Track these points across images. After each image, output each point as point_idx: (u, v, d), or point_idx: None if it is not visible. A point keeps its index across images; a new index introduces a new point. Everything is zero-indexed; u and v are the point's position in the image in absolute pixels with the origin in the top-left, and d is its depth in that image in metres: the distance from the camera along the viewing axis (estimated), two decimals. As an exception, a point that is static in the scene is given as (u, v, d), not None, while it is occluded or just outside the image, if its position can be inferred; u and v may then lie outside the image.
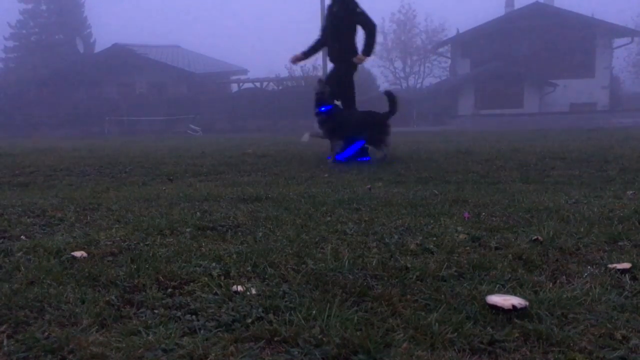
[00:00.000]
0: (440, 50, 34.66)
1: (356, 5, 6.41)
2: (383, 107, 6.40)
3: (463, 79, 28.85)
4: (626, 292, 1.64)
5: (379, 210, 2.95)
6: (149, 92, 29.76)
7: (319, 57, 25.42)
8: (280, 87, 29.37)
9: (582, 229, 2.39)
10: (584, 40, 27.72)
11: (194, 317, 1.48)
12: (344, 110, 6.39)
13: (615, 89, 30.62)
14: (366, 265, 1.90)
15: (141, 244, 2.22)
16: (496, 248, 2.13)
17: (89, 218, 2.84)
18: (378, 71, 37.66)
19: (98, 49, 36.14)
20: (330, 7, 6.53)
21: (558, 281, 1.76)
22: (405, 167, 5.53)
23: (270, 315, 1.47)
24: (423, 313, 1.49)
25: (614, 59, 30.32)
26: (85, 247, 2.17)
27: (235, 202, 3.31)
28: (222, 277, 1.79)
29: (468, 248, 2.12)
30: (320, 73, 26.35)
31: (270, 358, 1.28)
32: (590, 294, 1.61)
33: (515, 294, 1.59)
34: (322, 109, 6.25)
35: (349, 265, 1.89)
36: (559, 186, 4.08)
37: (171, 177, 5.07)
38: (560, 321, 1.44)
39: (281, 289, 1.67)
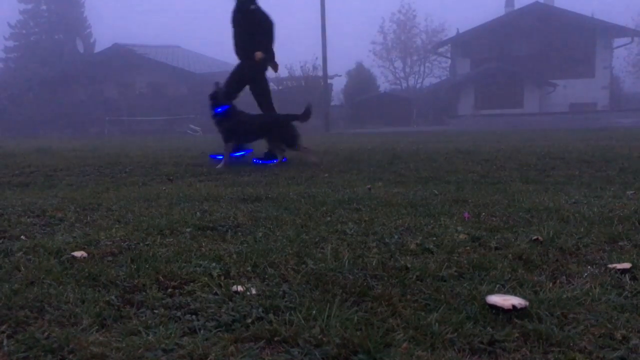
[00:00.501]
0: (440, 50, 34.69)
1: (251, 1, 6.27)
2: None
3: (463, 79, 28.86)
4: (626, 292, 1.64)
5: (379, 210, 2.95)
6: (149, 92, 29.75)
7: (318, 57, 25.46)
8: (280, 87, 29.37)
9: (582, 229, 2.39)
10: (584, 40, 27.74)
11: (194, 317, 1.48)
12: (242, 112, 6.26)
13: (615, 89, 30.63)
14: (366, 265, 1.90)
15: (141, 244, 2.22)
16: (496, 248, 2.13)
17: (89, 218, 2.84)
18: (378, 71, 37.73)
19: (98, 49, 36.14)
20: (236, 2, 6.41)
21: (558, 281, 1.76)
22: (405, 167, 5.53)
23: (270, 315, 1.47)
24: (423, 313, 1.49)
25: (614, 59, 30.36)
26: (85, 247, 2.17)
27: (235, 202, 3.31)
28: (222, 277, 1.79)
29: (468, 248, 2.12)
30: (320, 73, 26.39)
31: (270, 358, 1.28)
32: (590, 294, 1.61)
33: (515, 294, 1.59)
34: (218, 110, 6.15)
35: (349, 265, 1.89)
36: (559, 186, 4.08)
37: (171, 177, 5.07)
38: (560, 321, 1.44)
39: (281, 289, 1.67)
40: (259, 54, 6.23)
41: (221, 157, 6.21)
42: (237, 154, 6.29)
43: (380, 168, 5.58)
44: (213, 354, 1.27)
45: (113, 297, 1.61)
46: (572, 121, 21.09)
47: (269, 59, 6.46)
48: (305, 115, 6.24)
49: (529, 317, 1.45)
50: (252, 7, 6.27)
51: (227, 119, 6.12)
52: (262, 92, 6.55)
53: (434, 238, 2.28)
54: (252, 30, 6.29)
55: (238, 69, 6.48)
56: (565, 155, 6.34)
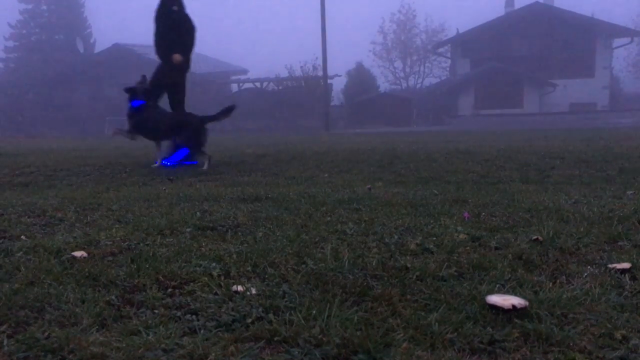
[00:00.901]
0: (440, 50, 34.69)
1: (175, 2, 6.18)
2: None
3: (463, 79, 28.86)
4: (626, 292, 1.64)
5: (379, 210, 2.95)
6: (149, 92, 29.70)
7: (318, 57, 25.46)
8: (280, 87, 29.39)
9: (582, 229, 2.39)
10: (584, 40, 27.73)
11: (194, 317, 1.48)
12: (157, 109, 6.21)
13: (615, 89, 30.62)
14: (366, 265, 1.90)
15: (141, 244, 2.22)
16: (496, 248, 2.13)
17: (89, 218, 2.84)
18: (378, 71, 37.72)
19: (98, 49, 36.13)
20: (160, 1, 6.34)
21: (558, 281, 1.76)
22: (405, 167, 5.53)
23: (270, 315, 1.47)
24: (423, 313, 1.49)
25: (613, 59, 30.34)
26: (85, 247, 2.17)
27: (235, 202, 3.31)
28: (222, 277, 1.79)
29: (468, 248, 2.12)
30: (320, 73, 26.40)
31: (270, 358, 1.28)
32: (590, 294, 1.61)
33: (515, 294, 1.59)
34: (134, 103, 6.11)
35: (349, 265, 1.89)
36: (559, 186, 4.08)
37: (171, 177, 5.07)
38: (560, 321, 1.44)
39: (281, 289, 1.67)
40: (177, 57, 6.14)
41: (165, 162, 6.14)
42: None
43: (380, 168, 5.58)
44: (213, 354, 1.27)
45: (113, 297, 1.61)
46: (572, 121, 21.09)
47: (188, 62, 6.35)
48: (223, 114, 6.16)
49: (529, 317, 1.45)
50: (175, 7, 6.19)
51: (138, 113, 6.09)
52: (175, 97, 6.42)
53: (434, 238, 2.28)
54: (173, 32, 6.21)
55: (158, 69, 6.38)
56: (565, 155, 6.34)
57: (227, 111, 6.20)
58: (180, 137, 6.10)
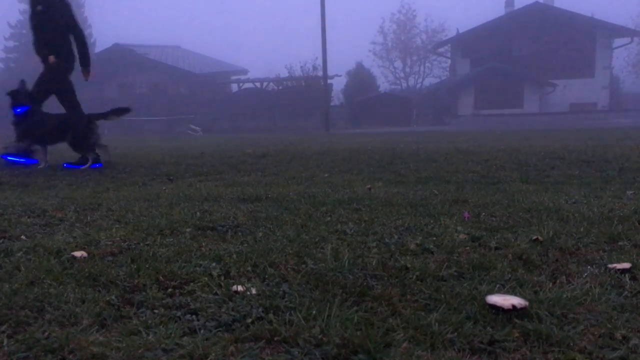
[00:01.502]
0: (440, 50, 34.73)
1: (40, 2, 6.02)
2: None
3: (463, 79, 28.87)
4: (626, 292, 1.64)
5: (379, 210, 2.95)
6: (149, 92, 29.75)
7: (318, 57, 25.47)
8: (280, 87, 29.40)
9: (582, 229, 2.39)
10: (584, 40, 27.75)
11: (194, 317, 1.48)
12: (42, 113, 6.13)
13: (615, 89, 30.64)
14: (366, 265, 1.90)
15: (141, 244, 2.22)
16: (496, 248, 2.13)
17: (89, 218, 2.84)
18: (378, 71, 37.76)
19: (98, 49, 36.14)
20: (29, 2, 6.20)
21: (558, 281, 1.76)
22: (405, 167, 5.53)
23: (270, 315, 1.47)
24: (423, 313, 1.49)
25: (614, 59, 30.36)
26: (85, 247, 2.17)
27: (235, 202, 3.31)
28: (222, 277, 1.79)
29: (468, 248, 2.12)
30: (320, 73, 26.40)
31: (270, 358, 1.28)
32: (590, 294, 1.61)
33: (515, 294, 1.59)
34: (17, 110, 5.98)
35: (349, 265, 1.89)
36: (559, 186, 4.08)
37: (171, 177, 5.07)
38: (560, 321, 1.44)
39: (281, 289, 1.67)
40: (51, 58, 6.05)
41: (14, 158, 6.03)
42: (18, 159, 6.09)
43: (380, 168, 5.58)
44: (213, 354, 1.27)
45: (113, 297, 1.61)
46: (572, 121, 21.09)
47: (67, 62, 6.27)
48: (114, 113, 6.18)
49: (529, 317, 1.45)
50: (39, 7, 6.06)
51: (25, 120, 5.97)
52: (64, 97, 6.37)
53: (434, 238, 2.28)
54: (44, 32, 6.10)
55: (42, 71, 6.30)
56: (565, 155, 6.34)
57: (120, 111, 6.22)
58: (67, 138, 5.99)
